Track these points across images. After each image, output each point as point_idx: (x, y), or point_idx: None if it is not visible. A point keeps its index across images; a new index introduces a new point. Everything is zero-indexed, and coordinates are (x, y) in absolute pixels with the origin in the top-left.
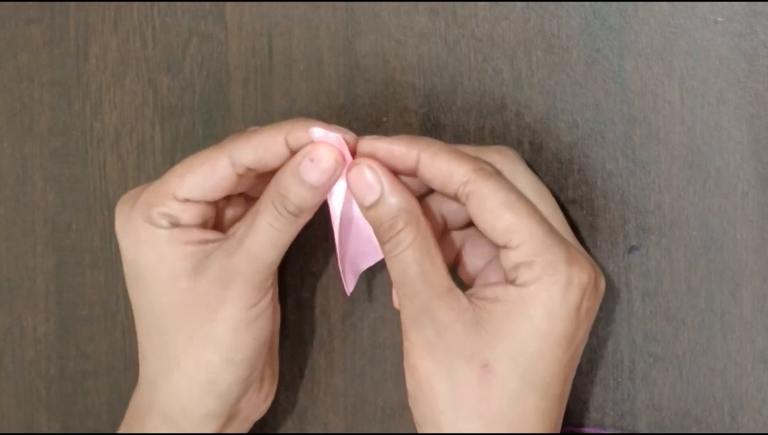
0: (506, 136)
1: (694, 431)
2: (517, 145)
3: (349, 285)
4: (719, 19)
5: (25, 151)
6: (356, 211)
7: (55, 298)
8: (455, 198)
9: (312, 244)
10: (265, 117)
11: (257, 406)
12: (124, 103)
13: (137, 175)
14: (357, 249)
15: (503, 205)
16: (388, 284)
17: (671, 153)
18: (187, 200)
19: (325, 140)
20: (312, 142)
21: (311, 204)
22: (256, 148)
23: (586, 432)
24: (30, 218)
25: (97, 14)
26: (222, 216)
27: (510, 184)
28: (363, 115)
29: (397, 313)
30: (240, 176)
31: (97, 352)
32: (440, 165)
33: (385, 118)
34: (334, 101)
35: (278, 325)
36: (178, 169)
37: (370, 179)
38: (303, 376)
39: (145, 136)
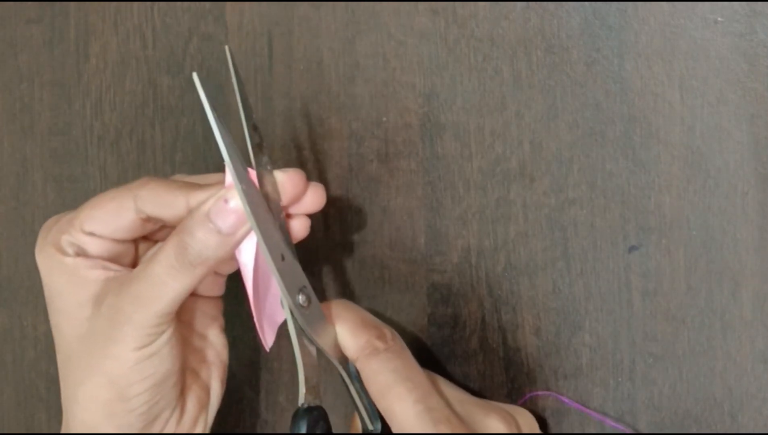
0: (506, 136)
1: (694, 431)
2: (517, 145)
3: (268, 340)
4: (719, 19)
5: (25, 151)
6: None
7: None
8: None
9: (311, 244)
10: (265, 117)
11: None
12: (124, 103)
13: (137, 174)
14: (274, 302)
15: (380, 390)
16: (387, 284)
17: (671, 153)
18: (93, 234)
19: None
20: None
21: (216, 254)
22: (156, 203)
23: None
24: (30, 218)
25: (97, 14)
26: (140, 254)
27: (399, 360)
28: (363, 115)
29: (396, 312)
30: (145, 221)
31: None
32: (341, 337)
33: (385, 118)
34: (334, 101)
35: (220, 357)
36: (91, 201)
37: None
38: None
39: (145, 136)
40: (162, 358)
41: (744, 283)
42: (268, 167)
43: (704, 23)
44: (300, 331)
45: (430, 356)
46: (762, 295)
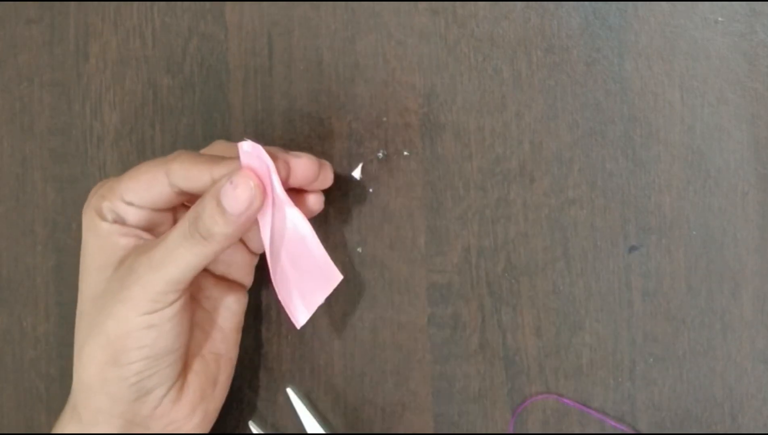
0: (506, 136)
1: (694, 431)
2: (517, 145)
3: (301, 318)
4: (719, 19)
5: (25, 151)
6: (309, 241)
7: (55, 298)
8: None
9: None
10: (265, 117)
11: (172, 420)
12: (124, 103)
13: None
14: (310, 280)
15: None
16: (387, 284)
17: (671, 153)
18: (131, 204)
19: (251, 162)
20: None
21: (223, 231)
22: (185, 177)
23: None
24: (30, 218)
25: (97, 14)
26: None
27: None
28: (363, 115)
29: (396, 312)
30: (179, 194)
31: None
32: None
33: (385, 118)
34: (334, 101)
35: (230, 353)
36: (129, 172)
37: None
38: (303, 376)
39: (145, 136)
40: (162, 333)
41: (744, 283)
42: None
43: (704, 23)
44: None
45: (430, 356)
46: (762, 295)
